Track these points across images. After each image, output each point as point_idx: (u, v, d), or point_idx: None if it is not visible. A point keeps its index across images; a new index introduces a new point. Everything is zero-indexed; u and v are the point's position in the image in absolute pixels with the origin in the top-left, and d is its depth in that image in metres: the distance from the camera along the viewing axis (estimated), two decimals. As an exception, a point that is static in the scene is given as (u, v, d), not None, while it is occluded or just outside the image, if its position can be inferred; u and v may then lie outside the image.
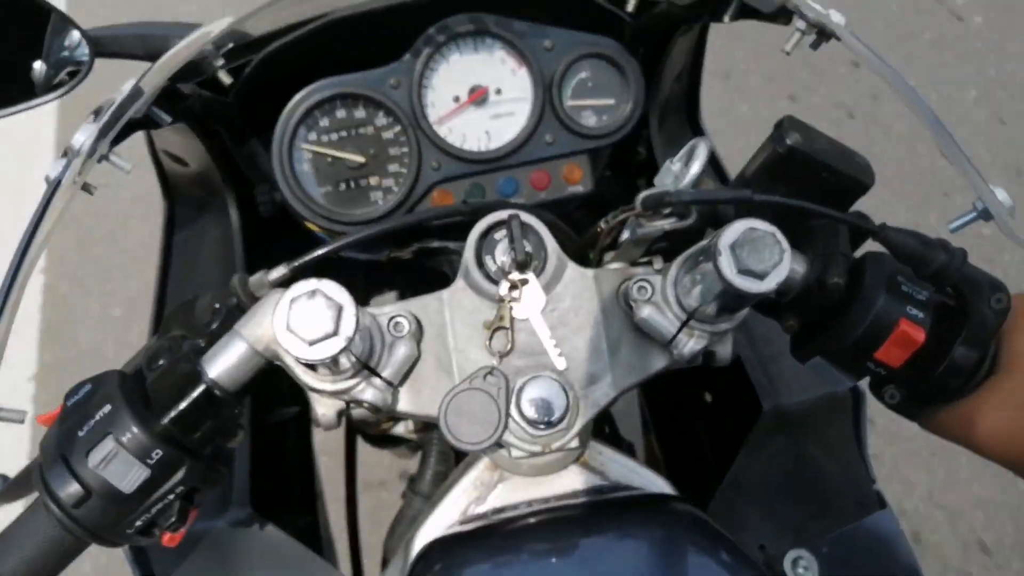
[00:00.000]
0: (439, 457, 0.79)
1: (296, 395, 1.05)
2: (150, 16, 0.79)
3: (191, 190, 0.96)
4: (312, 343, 0.47)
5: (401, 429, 0.91)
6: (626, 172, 0.99)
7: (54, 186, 0.54)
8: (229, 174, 0.88)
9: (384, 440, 1.02)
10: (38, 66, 0.78)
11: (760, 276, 0.49)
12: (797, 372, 0.82)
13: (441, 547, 0.61)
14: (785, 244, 0.50)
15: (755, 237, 0.50)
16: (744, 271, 0.49)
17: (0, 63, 0.79)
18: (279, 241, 0.81)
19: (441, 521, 0.64)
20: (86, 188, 0.56)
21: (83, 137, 0.54)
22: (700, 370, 1.01)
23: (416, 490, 0.78)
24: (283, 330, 0.48)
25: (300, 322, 0.47)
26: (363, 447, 1.13)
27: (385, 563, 0.82)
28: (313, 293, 0.48)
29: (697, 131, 1.02)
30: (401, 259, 0.83)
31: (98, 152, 0.55)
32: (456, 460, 0.83)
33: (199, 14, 0.87)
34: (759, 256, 0.49)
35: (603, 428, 0.87)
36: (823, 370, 0.60)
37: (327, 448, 1.19)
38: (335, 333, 0.48)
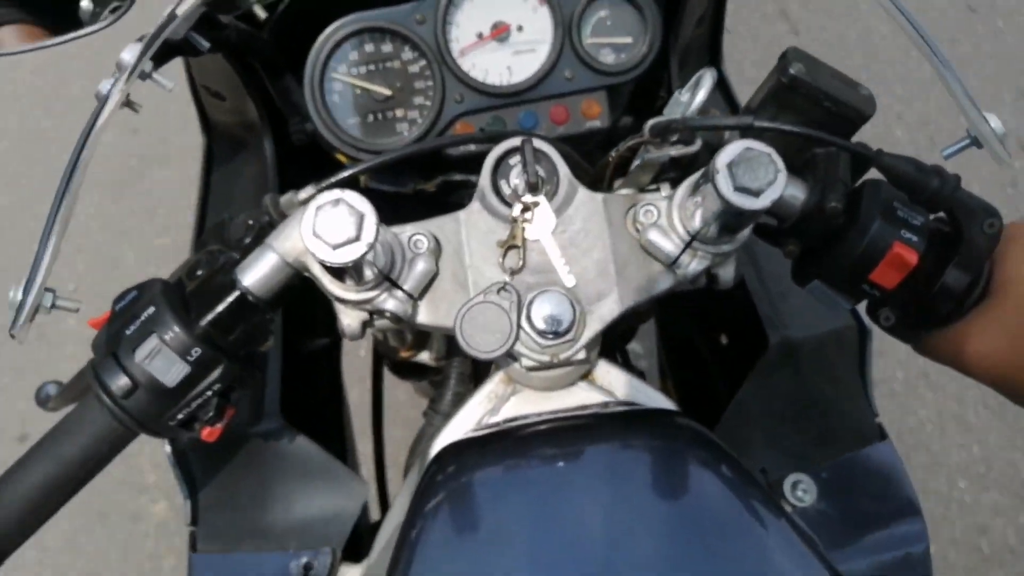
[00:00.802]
0: (459, 379, 0.83)
1: (327, 328, 1.11)
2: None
3: (228, 125, 1.01)
4: (336, 247, 0.51)
5: (425, 357, 0.96)
6: (648, 116, 1.01)
7: (103, 101, 0.58)
8: (264, 107, 0.92)
9: (408, 370, 1.06)
10: (85, 3, 0.84)
11: (756, 193, 0.52)
12: (805, 308, 0.85)
13: (455, 450, 0.65)
14: (780, 164, 0.52)
15: (751, 156, 0.52)
16: (740, 188, 0.52)
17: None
18: (310, 171, 0.85)
19: (456, 429, 0.68)
20: (130, 105, 0.60)
21: (128, 55, 0.58)
22: (717, 314, 1.04)
23: (436, 409, 0.82)
24: (309, 235, 0.52)
25: (325, 227, 0.51)
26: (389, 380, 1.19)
27: (406, 476, 0.87)
28: (337, 202, 0.52)
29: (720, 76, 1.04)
30: (426, 192, 0.86)
31: (141, 69, 0.59)
32: (474, 383, 0.87)
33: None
34: (755, 174, 0.52)
35: (616, 358, 0.91)
36: (822, 295, 0.63)
37: (356, 379, 1.24)
38: (357, 238, 0.52)
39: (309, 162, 0.93)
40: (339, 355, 1.13)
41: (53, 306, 0.56)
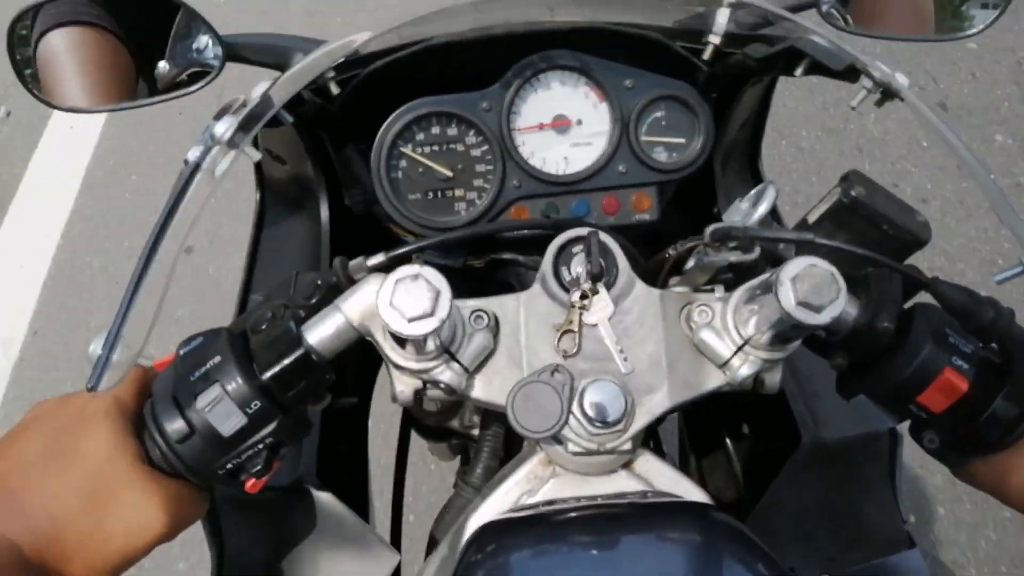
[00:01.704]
0: (491, 453, 0.84)
1: (356, 388, 1.13)
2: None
3: (283, 187, 1.04)
4: (411, 320, 0.53)
5: (456, 424, 0.97)
6: (687, 211, 1.04)
7: (192, 168, 0.61)
8: (322, 175, 0.95)
9: (437, 434, 1.07)
10: (163, 65, 0.87)
11: (817, 309, 0.54)
12: (836, 411, 0.86)
13: (494, 530, 0.66)
14: (842, 283, 0.55)
15: (815, 273, 0.55)
16: (802, 303, 0.54)
17: (129, 59, 0.87)
18: (362, 243, 0.88)
19: (494, 508, 0.69)
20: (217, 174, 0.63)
21: (223, 128, 0.62)
22: (741, 404, 1.06)
23: (467, 481, 0.83)
24: (386, 305, 0.54)
25: (402, 300, 0.54)
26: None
27: (430, 547, 0.88)
28: (416, 276, 0.54)
29: (757, 175, 1.08)
30: (474, 267, 0.89)
31: (238, 144, 0.62)
32: (505, 458, 0.88)
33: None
34: (817, 291, 0.54)
35: (650, 445, 0.92)
36: (865, 409, 0.65)
37: (380, 441, 1.25)
38: (432, 314, 0.54)
39: (360, 229, 0.96)
40: (367, 415, 1.14)
41: (133, 364, 0.57)
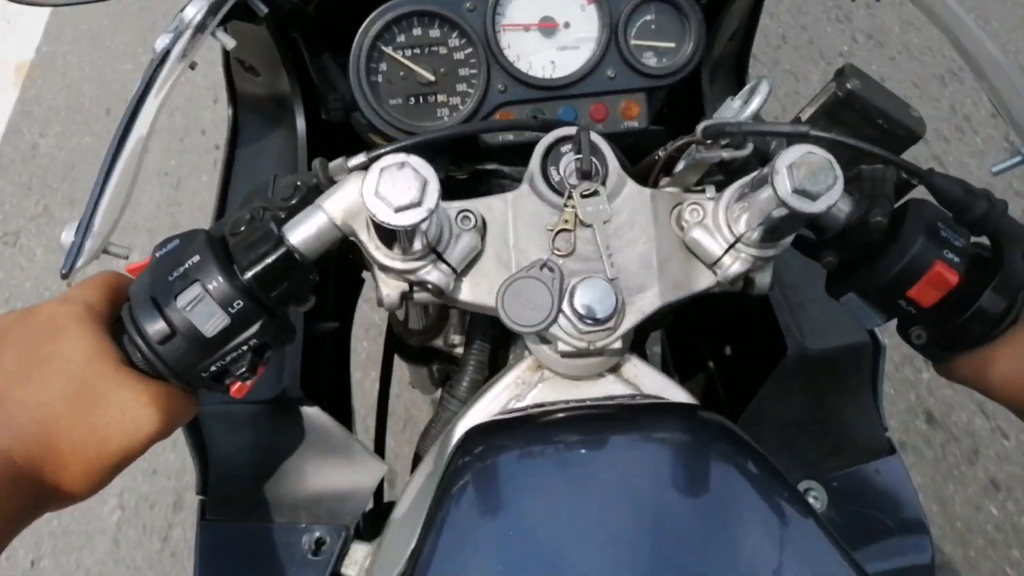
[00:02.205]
0: (476, 367, 0.83)
1: (337, 313, 1.11)
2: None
3: (257, 99, 1.00)
4: (398, 209, 0.52)
5: (440, 343, 0.96)
6: (670, 124, 1.02)
7: (162, 55, 0.58)
8: (297, 84, 0.92)
9: (418, 355, 1.06)
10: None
11: (813, 197, 0.53)
12: (821, 322, 0.86)
13: (482, 432, 0.66)
14: (839, 171, 0.54)
15: (812, 160, 0.53)
16: (799, 191, 0.53)
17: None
18: (338, 153, 0.86)
19: (482, 412, 0.69)
20: (192, 65, 0.60)
21: (193, 11, 0.58)
22: (723, 324, 1.06)
23: (453, 394, 0.82)
24: (371, 195, 0.52)
25: (389, 189, 0.52)
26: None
27: (416, 462, 0.87)
28: (402, 165, 0.52)
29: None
30: (456, 178, 0.87)
31: (207, 28, 0.59)
32: (491, 373, 0.88)
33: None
34: (814, 178, 0.53)
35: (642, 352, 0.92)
36: (855, 307, 0.65)
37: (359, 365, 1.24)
38: (419, 203, 0.52)
39: (336, 141, 0.93)
40: (348, 339, 1.13)
41: (104, 251, 0.55)
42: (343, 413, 1.07)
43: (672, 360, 1.26)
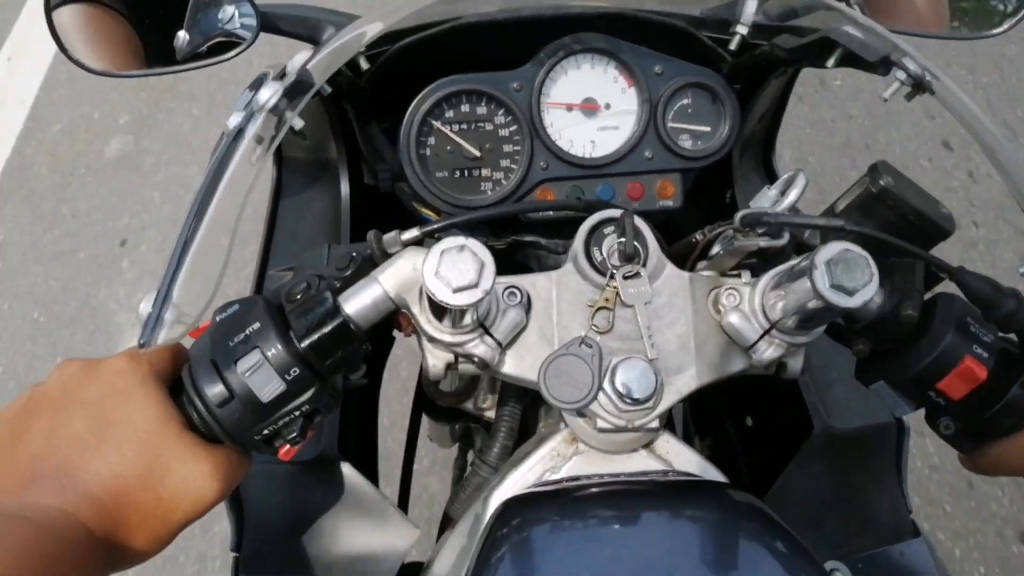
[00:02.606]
0: (508, 432, 0.85)
1: (367, 370, 1.13)
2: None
3: (301, 163, 1.04)
4: (456, 290, 0.54)
5: (470, 405, 0.98)
6: (700, 201, 1.05)
7: (234, 134, 0.61)
8: (344, 151, 0.96)
9: (447, 416, 1.08)
10: (182, 35, 0.86)
11: (850, 292, 0.55)
12: (846, 402, 0.88)
13: (519, 503, 0.67)
14: (875, 268, 0.56)
15: (849, 257, 0.56)
16: (836, 286, 0.55)
17: (147, 28, 0.87)
18: (379, 219, 0.89)
19: (517, 483, 0.70)
20: (260, 141, 0.64)
21: (267, 95, 0.62)
22: (746, 396, 1.07)
23: (484, 460, 0.84)
24: (432, 276, 0.55)
25: (448, 270, 0.54)
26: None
27: (444, 524, 0.89)
28: (462, 248, 0.55)
29: (770, 169, 1.09)
30: (494, 248, 0.90)
31: (284, 116, 0.62)
32: (519, 439, 0.89)
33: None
34: (851, 275, 0.55)
35: (673, 429, 0.93)
36: (884, 395, 0.66)
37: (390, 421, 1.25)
38: (476, 284, 0.55)
39: (377, 209, 0.97)
40: (377, 396, 1.14)
41: (178, 321, 0.57)
42: (370, 471, 1.08)
43: (695, 427, 1.27)
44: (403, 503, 1.18)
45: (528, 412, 0.89)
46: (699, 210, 1.06)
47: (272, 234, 1.01)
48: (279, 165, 1.06)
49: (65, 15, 0.85)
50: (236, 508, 0.79)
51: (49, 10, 0.83)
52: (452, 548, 0.74)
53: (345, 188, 0.96)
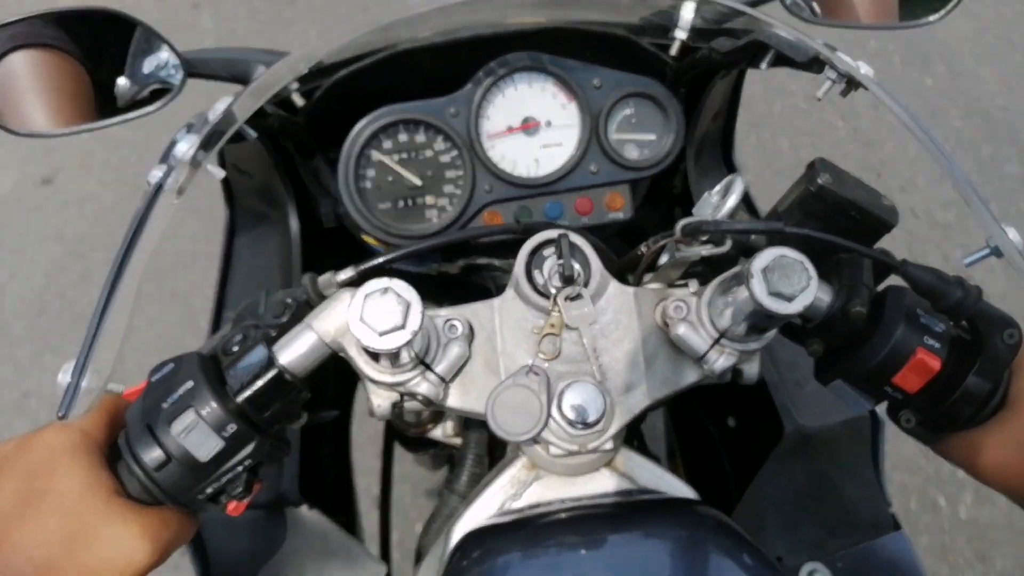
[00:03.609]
0: (475, 460, 0.84)
1: (336, 401, 1.12)
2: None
3: (251, 201, 1.03)
4: (382, 334, 0.53)
5: (439, 433, 0.97)
6: (661, 203, 1.04)
7: (156, 189, 0.60)
8: (291, 187, 0.94)
9: (419, 445, 1.07)
10: (122, 82, 0.85)
11: (788, 299, 0.54)
12: (819, 398, 0.87)
13: (479, 537, 0.66)
14: (812, 271, 0.55)
15: (785, 263, 0.55)
16: (774, 293, 0.54)
17: (88, 80, 0.86)
18: (333, 253, 0.88)
19: (479, 514, 0.69)
20: (180, 192, 0.63)
21: (185, 147, 0.61)
22: (725, 397, 1.06)
23: (452, 489, 0.83)
24: (356, 321, 0.53)
25: (372, 315, 0.53)
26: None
27: (419, 557, 0.87)
28: (385, 290, 0.54)
29: (731, 167, 1.08)
30: (448, 274, 0.88)
31: (200, 162, 0.61)
32: (490, 464, 0.88)
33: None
34: (788, 280, 0.54)
35: (633, 443, 0.92)
36: (843, 393, 0.65)
37: (362, 452, 1.24)
38: (403, 326, 0.53)
39: (332, 240, 0.96)
40: (348, 427, 1.13)
41: (104, 390, 0.56)
42: (345, 505, 1.07)
43: (676, 432, 1.26)
44: (384, 538, 1.16)
45: (496, 438, 0.88)
46: (664, 217, 1.05)
47: (227, 276, 0.99)
48: (231, 206, 1.05)
49: (15, 61, 0.83)
50: (200, 558, 0.77)
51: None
52: (420, 585, 0.73)
53: (295, 226, 0.94)
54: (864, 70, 0.67)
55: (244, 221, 1.04)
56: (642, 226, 0.89)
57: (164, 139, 0.65)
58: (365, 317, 0.53)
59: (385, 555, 1.18)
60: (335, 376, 1.10)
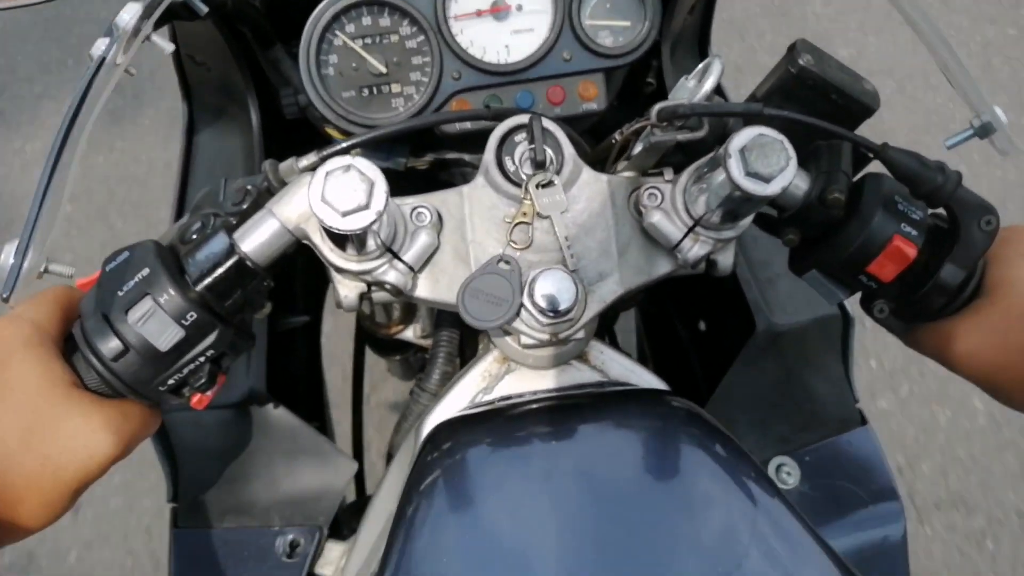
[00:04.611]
0: (446, 358, 0.83)
1: (306, 306, 1.10)
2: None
3: (211, 94, 0.98)
4: (345, 214, 0.51)
5: (409, 334, 0.95)
6: (635, 102, 1.01)
7: (99, 62, 0.56)
8: (251, 78, 0.90)
9: (390, 347, 1.06)
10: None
11: (766, 179, 0.52)
12: (791, 297, 0.86)
13: (449, 427, 0.65)
14: (791, 151, 0.53)
15: (764, 143, 0.53)
16: (752, 174, 0.52)
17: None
18: (296, 144, 0.84)
19: (450, 407, 0.68)
20: (127, 70, 0.59)
21: (128, 16, 0.56)
22: (697, 299, 1.06)
23: (424, 388, 0.82)
24: (318, 201, 0.51)
25: (335, 194, 0.51)
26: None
27: (390, 457, 0.87)
28: (348, 168, 0.51)
29: None
30: (416, 169, 0.85)
31: (142, 32, 0.57)
32: (461, 364, 0.87)
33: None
34: (767, 160, 0.52)
35: (605, 339, 0.92)
36: (817, 284, 0.64)
37: (331, 358, 1.23)
38: (367, 206, 0.51)
39: (294, 135, 0.92)
40: (319, 333, 1.12)
41: (46, 271, 0.54)
42: (316, 408, 1.06)
43: (647, 336, 1.26)
44: (357, 439, 1.16)
45: (467, 335, 0.87)
46: (634, 113, 1.02)
47: (188, 174, 0.95)
48: (189, 101, 1.00)
49: None
50: (168, 458, 0.76)
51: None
52: (392, 479, 0.72)
53: (255, 118, 0.90)
54: None
55: (203, 116, 0.99)
56: (615, 126, 0.87)
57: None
58: (327, 196, 0.51)
59: (359, 457, 1.19)
60: (303, 282, 1.08)
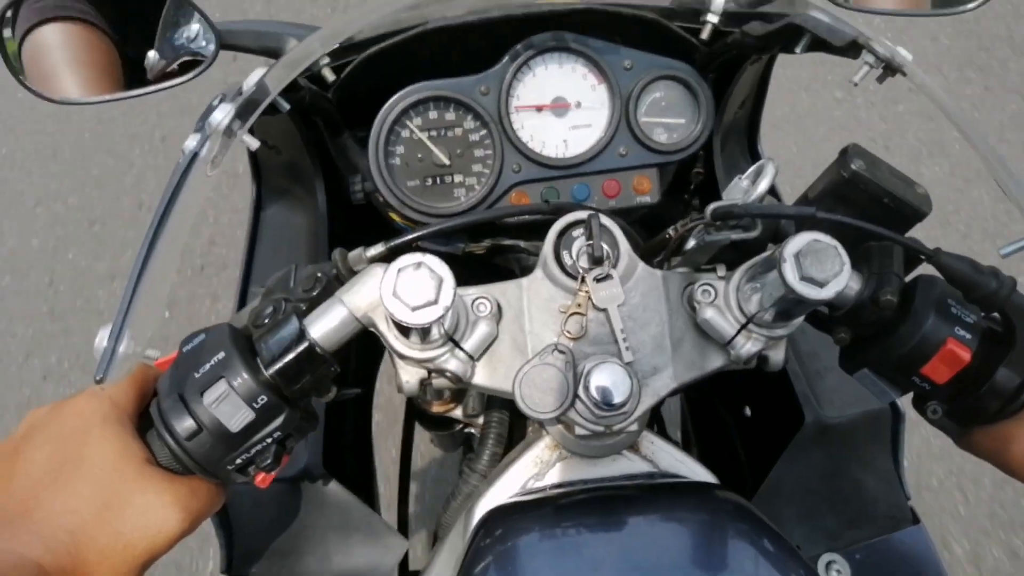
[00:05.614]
0: (496, 439, 0.84)
1: (359, 379, 1.12)
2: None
3: (278, 178, 1.04)
4: (415, 308, 0.53)
5: (458, 412, 0.97)
6: (683, 192, 1.04)
7: (190, 157, 0.61)
8: (319, 164, 0.95)
9: (437, 422, 1.07)
10: (152, 55, 0.85)
11: (821, 284, 0.54)
12: (839, 389, 0.86)
13: (502, 514, 0.66)
14: (845, 257, 0.55)
15: (818, 248, 0.54)
16: (806, 278, 0.54)
17: (115, 52, 0.86)
18: (359, 231, 0.88)
19: (502, 492, 0.69)
20: (214, 162, 0.63)
21: (220, 116, 0.61)
22: (743, 386, 1.06)
23: (473, 468, 0.83)
24: (389, 295, 0.54)
25: (406, 289, 0.53)
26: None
27: (437, 534, 0.88)
28: (419, 265, 0.54)
29: (755, 156, 1.07)
30: (474, 254, 0.89)
31: (234, 132, 0.61)
32: (509, 445, 0.88)
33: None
34: (821, 266, 0.54)
35: (654, 427, 0.92)
36: (869, 383, 0.65)
37: (380, 429, 1.25)
38: (435, 301, 0.54)
39: (357, 220, 0.96)
40: (370, 405, 1.14)
41: (142, 356, 0.57)
42: (364, 481, 1.07)
43: (691, 418, 1.26)
44: (403, 512, 1.17)
45: (517, 417, 0.88)
46: (685, 205, 1.04)
47: (253, 251, 1.00)
48: (258, 182, 1.05)
49: (45, 34, 0.84)
50: (225, 530, 0.78)
51: (24, 33, 0.82)
52: (442, 559, 0.73)
53: (322, 202, 0.95)
54: (903, 55, 0.66)
55: (271, 198, 1.04)
56: (664, 215, 0.89)
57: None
58: (398, 291, 0.54)
59: (403, 531, 1.19)
60: (358, 354, 1.11)
